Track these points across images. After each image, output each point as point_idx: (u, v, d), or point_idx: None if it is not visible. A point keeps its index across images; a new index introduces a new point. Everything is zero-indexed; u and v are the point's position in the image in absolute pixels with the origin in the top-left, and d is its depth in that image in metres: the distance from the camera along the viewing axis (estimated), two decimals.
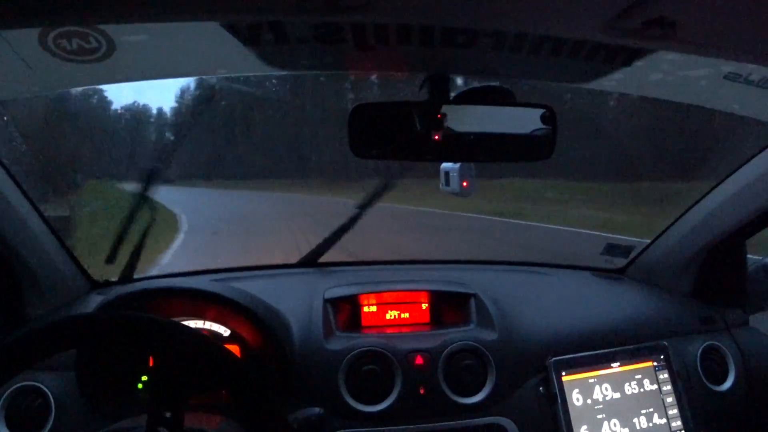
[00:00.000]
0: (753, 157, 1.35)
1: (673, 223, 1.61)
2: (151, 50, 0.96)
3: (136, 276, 1.67)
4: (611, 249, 1.79)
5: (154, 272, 1.71)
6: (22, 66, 0.97)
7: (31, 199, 1.32)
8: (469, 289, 1.43)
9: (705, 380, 1.39)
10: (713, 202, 1.47)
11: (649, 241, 1.72)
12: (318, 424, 1.04)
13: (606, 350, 1.33)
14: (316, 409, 1.05)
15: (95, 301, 1.46)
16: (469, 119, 0.96)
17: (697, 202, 1.51)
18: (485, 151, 1.00)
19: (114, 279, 1.63)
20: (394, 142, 0.95)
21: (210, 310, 1.29)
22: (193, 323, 1.27)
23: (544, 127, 0.97)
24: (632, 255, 1.77)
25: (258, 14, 0.79)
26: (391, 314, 1.41)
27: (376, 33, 0.89)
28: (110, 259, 1.57)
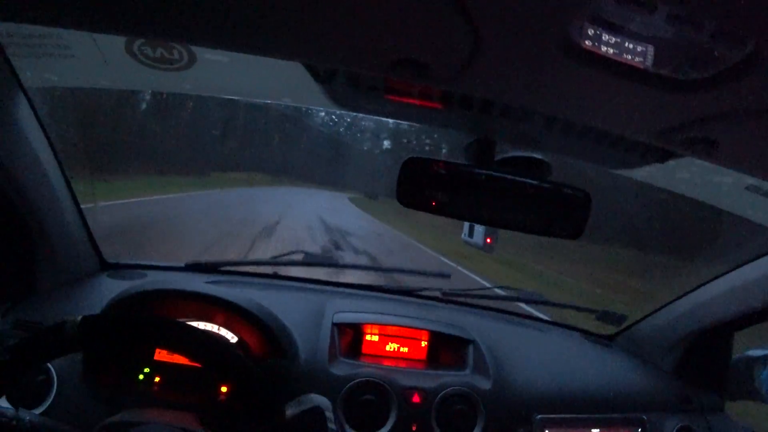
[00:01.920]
0: (754, 258, 1.45)
1: (668, 303, 1.71)
2: (227, 70, 1.02)
3: (143, 262, 1.72)
4: (605, 316, 1.89)
5: (162, 258, 1.74)
6: (100, 61, 1.03)
7: (66, 176, 1.37)
8: (468, 335, 1.51)
9: None
10: (712, 291, 1.57)
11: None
12: (316, 419, 1.07)
13: (588, 415, 1.42)
14: (313, 396, 1.06)
15: (105, 283, 1.51)
16: (510, 187, 1.03)
17: (696, 288, 1.61)
18: (520, 221, 1.07)
19: (123, 262, 1.67)
20: (436, 198, 1.02)
21: (219, 315, 1.34)
22: (203, 326, 1.32)
23: (579, 207, 1.05)
24: (623, 325, 1.87)
25: (348, 68, 0.86)
26: (391, 346, 1.48)
27: (443, 95, 0.96)
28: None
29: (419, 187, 1.02)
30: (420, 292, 1.87)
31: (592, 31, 0.60)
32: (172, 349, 1.11)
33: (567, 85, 0.74)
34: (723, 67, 0.59)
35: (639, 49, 0.62)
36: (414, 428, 1.27)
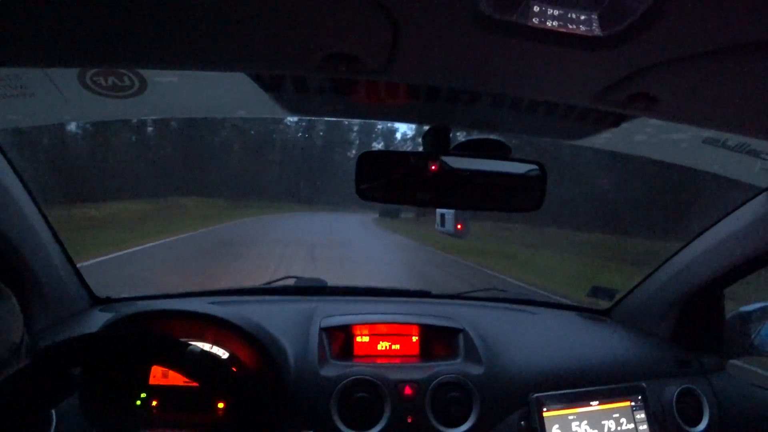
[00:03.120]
0: (731, 212, 1.48)
1: (656, 270, 1.73)
2: (179, 91, 1.07)
3: (135, 294, 1.76)
4: (597, 291, 1.91)
5: (153, 291, 1.77)
6: (59, 97, 1.07)
7: (44, 215, 1.41)
8: (458, 324, 1.53)
9: (680, 421, 1.49)
10: (693, 252, 1.59)
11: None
12: None
13: (586, 389, 1.43)
14: None
15: (97, 317, 1.53)
16: (466, 170, 1.06)
17: (679, 251, 1.64)
18: (479, 201, 1.12)
19: (115, 296, 1.71)
20: (395, 188, 1.06)
21: (210, 333, 1.37)
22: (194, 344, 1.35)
23: (535, 180, 1.09)
24: (617, 298, 1.89)
25: (284, 70, 0.90)
26: (382, 345, 1.50)
27: (388, 88, 1.00)
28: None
29: (378, 180, 1.06)
30: (407, 290, 1.90)
31: (502, 1, 0.62)
32: (167, 364, 1.15)
33: (491, 59, 0.77)
34: (633, 18, 0.61)
35: (549, 12, 0.63)
36: (410, 420, 1.29)
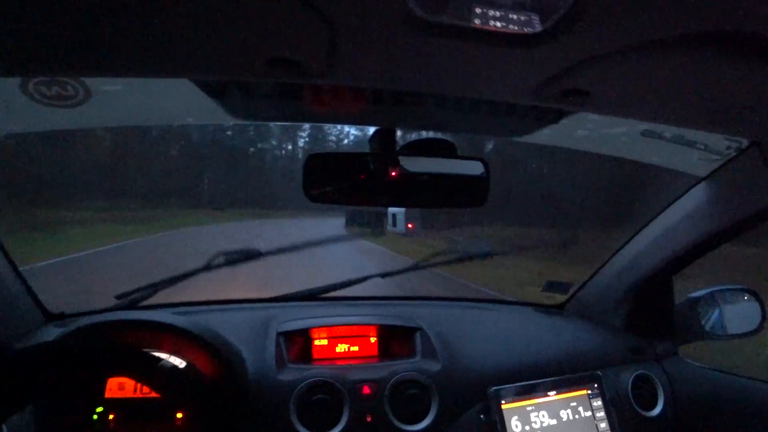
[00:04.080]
0: (674, 201, 1.55)
1: (606, 262, 1.80)
2: (124, 99, 1.08)
3: (92, 309, 1.73)
4: (551, 286, 1.97)
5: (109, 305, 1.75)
6: (2, 106, 1.07)
7: None
8: (415, 323, 1.56)
9: (636, 406, 1.55)
10: (641, 243, 1.67)
11: None
12: None
13: (543, 380, 1.48)
14: None
15: (51, 333, 1.51)
16: (413, 169, 1.10)
17: (627, 242, 1.71)
18: (427, 199, 1.15)
19: (69, 312, 1.68)
20: (343, 189, 1.09)
21: (166, 342, 1.36)
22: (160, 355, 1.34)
23: (479, 176, 1.13)
24: (571, 291, 1.95)
25: (229, 76, 0.93)
26: (341, 347, 1.52)
27: (333, 91, 1.03)
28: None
29: (325, 182, 1.09)
30: (364, 294, 1.92)
31: (430, 2, 0.64)
32: (125, 373, 1.15)
33: (427, 60, 0.81)
34: (558, 16, 0.65)
35: (479, 11, 0.66)
36: (369, 419, 1.31)
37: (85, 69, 0.89)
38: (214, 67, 0.85)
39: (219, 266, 1.77)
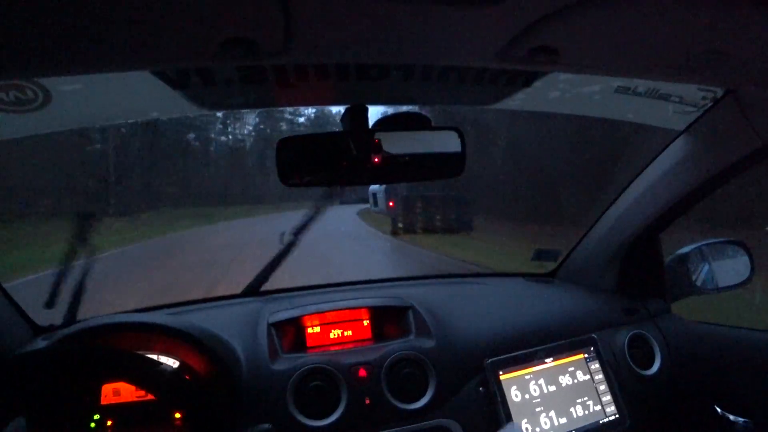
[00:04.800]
0: (655, 158, 1.55)
1: (593, 225, 1.81)
2: (85, 98, 1.06)
3: (80, 318, 1.71)
4: (540, 254, 1.98)
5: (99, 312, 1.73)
6: None
7: None
8: (406, 302, 1.56)
9: (633, 366, 1.56)
10: (625, 202, 1.67)
11: None
12: None
13: (539, 347, 1.48)
14: (266, 425, 1.14)
15: (40, 346, 1.50)
16: (388, 145, 1.09)
17: (612, 203, 1.71)
18: (405, 173, 1.15)
19: (57, 323, 1.66)
20: (318, 170, 1.08)
21: (157, 344, 1.35)
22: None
23: (454, 145, 1.12)
24: (560, 258, 1.96)
25: (183, 62, 0.91)
26: (334, 333, 1.52)
27: (297, 72, 1.02)
28: (50, 303, 1.60)
29: (298, 165, 1.08)
30: (356, 280, 1.92)
31: None
32: (120, 377, 1.14)
33: (386, 28, 0.79)
34: None
35: None
36: (368, 402, 1.31)
37: (34, 68, 0.87)
38: (166, 55, 0.84)
39: None
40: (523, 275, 1.98)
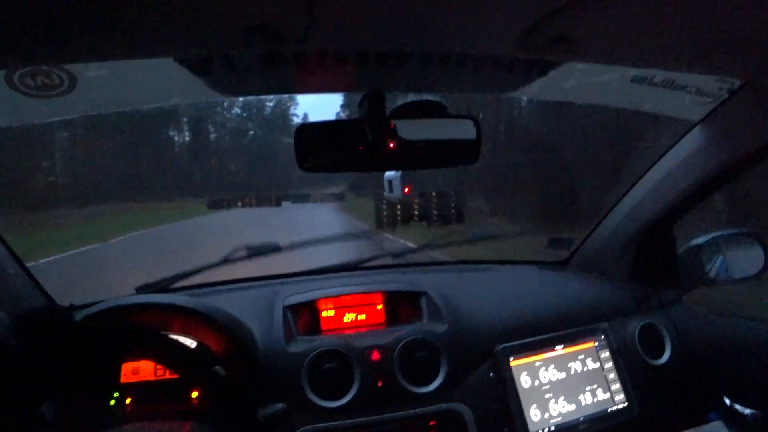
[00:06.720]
0: (670, 148, 1.56)
1: (607, 214, 1.82)
2: (109, 84, 1.09)
3: (96, 299, 1.76)
4: (553, 242, 1.99)
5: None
6: None
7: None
8: (420, 288, 1.60)
9: (643, 355, 1.58)
10: (640, 192, 1.68)
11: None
12: (282, 418, 1.18)
13: (550, 334, 1.51)
14: (280, 405, 1.18)
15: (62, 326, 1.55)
16: (404, 132, 1.11)
17: (627, 192, 1.73)
18: (420, 159, 1.17)
19: (78, 303, 1.71)
20: (334, 155, 1.11)
21: (176, 323, 1.40)
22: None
23: (470, 134, 1.14)
24: (573, 247, 1.98)
25: (207, 49, 0.94)
26: (348, 317, 1.56)
27: (317, 59, 1.04)
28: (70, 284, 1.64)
29: (317, 151, 1.11)
30: (369, 263, 1.96)
31: None
32: (141, 355, 1.18)
33: (408, 15, 0.82)
34: None
35: None
36: (380, 384, 1.35)
37: (64, 55, 0.90)
38: (192, 42, 0.86)
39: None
40: (536, 263, 2.00)
